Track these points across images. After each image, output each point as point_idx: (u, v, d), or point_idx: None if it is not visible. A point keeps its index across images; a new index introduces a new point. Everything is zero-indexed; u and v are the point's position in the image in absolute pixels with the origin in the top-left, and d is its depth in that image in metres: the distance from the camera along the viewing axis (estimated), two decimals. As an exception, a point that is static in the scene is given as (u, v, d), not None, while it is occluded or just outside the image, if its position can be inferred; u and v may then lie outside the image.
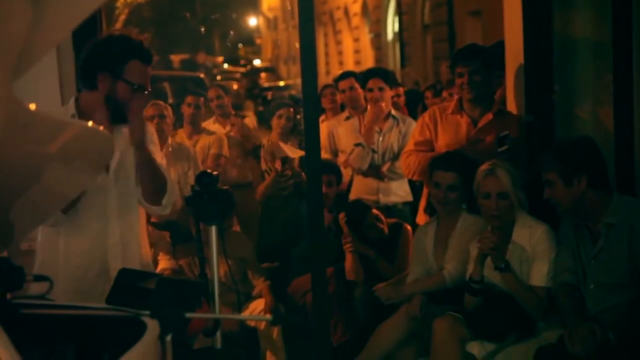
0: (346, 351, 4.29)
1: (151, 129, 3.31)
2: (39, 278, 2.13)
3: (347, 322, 4.52)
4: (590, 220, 3.54)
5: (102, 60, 3.10)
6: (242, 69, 25.04)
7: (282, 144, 5.67)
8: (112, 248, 3.17)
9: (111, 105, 3.08)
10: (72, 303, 2.62)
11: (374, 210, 4.92)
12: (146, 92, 3.15)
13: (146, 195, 3.17)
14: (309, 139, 3.53)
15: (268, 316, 2.60)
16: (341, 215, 4.74)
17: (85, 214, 3.11)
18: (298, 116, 5.96)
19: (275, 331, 4.67)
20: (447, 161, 4.23)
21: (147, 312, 2.25)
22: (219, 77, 22.32)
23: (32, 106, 1.80)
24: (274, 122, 5.94)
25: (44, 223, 2.58)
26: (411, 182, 5.42)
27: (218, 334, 2.82)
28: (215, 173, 2.90)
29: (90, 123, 2.12)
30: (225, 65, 26.17)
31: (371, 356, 4.03)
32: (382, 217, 4.91)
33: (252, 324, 4.68)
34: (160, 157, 3.24)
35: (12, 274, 2.06)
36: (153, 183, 3.15)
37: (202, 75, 16.29)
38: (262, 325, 4.62)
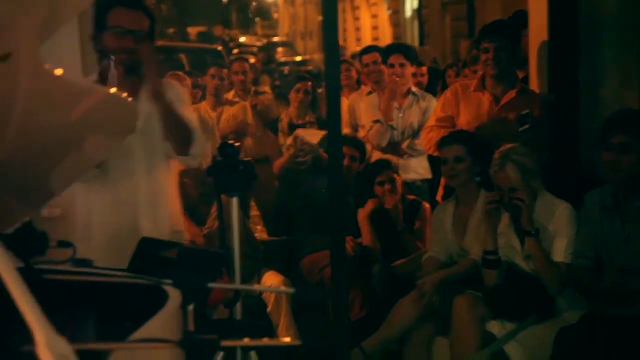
0: (364, 326, 4.27)
1: (178, 87, 3.33)
2: (63, 244, 2.12)
3: (365, 298, 4.52)
4: (633, 197, 3.49)
5: (94, 21, 3.13)
6: (259, 43, 24.96)
7: (301, 132, 5.62)
8: (142, 207, 3.18)
9: (106, 59, 3.09)
10: (94, 270, 2.62)
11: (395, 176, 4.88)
12: (151, 42, 3.15)
13: (174, 146, 3.18)
14: (331, 112, 3.49)
15: (290, 289, 2.58)
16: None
17: (114, 171, 3.13)
18: (319, 90, 5.95)
19: (284, 306, 4.66)
20: (451, 136, 4.27)
21: (170, 281, 2.25)
22: (235, 51, 22.23)
23: (59, 71, 1.78)
24: (292, 96, 5.92)
25: (69, 185, 2.58)
26: (433, 160, 5.38)
27: (238, 305, 2.82)
28: (237, 144, 2.89)
29: (104, 88, 2.10)
30: (242, 39, 26.12)
31: (389, 332, 4.01)
32: (399, 181, 4.87)
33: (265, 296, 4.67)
34: (189, 112, 3.24)
35: (35, 239, 2.05)
36: (177, 134, 3.15)
37: (219, 48, 16.21)
38: (271, 300, 4.61)
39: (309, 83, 5.97)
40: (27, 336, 1.64)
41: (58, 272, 2.26)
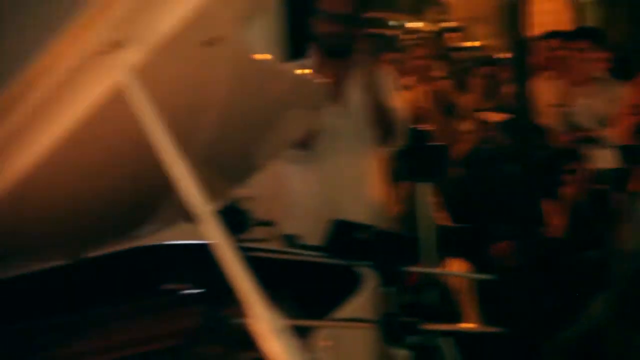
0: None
1: (391, 73, 3.35)
2: (264, 223, 2.17)
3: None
4: None
5: (307, 7, 3.20)
6: (432, 29, 24.66)
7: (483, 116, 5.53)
8: (345, 189, 3.24)
9: (324, 47, 3.14)
10: (290, 250, 2.67)
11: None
12: (362, 27, 3.17)
13: (376, 133, 3.21)
14: (519, 97, 3.42)
15: (488, 275, 2.54)
16: None
17: (322, 152, 3.20)
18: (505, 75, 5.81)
19: (469, 294, 4.60)
20: None
21: (368, 263, 2.26)
22: (405, 37, 22.07)
23: (266, 56, 1.82)
24: (473, 81, 5.82)
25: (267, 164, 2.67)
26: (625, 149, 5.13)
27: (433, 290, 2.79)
28: (429, 129, 2.86)
29: (298, 69, 2.13)
30: (413, 24, 25.90)
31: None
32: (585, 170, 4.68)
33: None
34: (398, 101, 3.26)
35: (239, 218, 2.11)
36: (381, 124, 3.17)
37: (394, 34, 16.16)
38: (456, 287, 4.55)
39: (491, 68, 5.85)
40: (238, 310, 1.70)
41: (258, 250, 2.32)
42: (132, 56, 1.37)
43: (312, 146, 3.20)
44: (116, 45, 1.34)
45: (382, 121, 3.20)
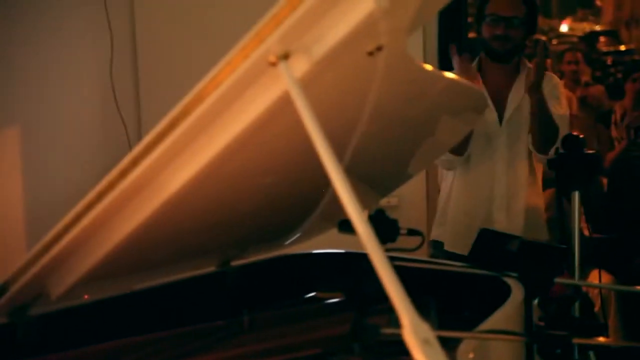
0: None
1: (555, 80, 3.30)
2: (413, 232, 2.18)
3: None
4: None
5: (476, 13, 3.21)
6: (580, 32, 23.91)
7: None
8: (498, 198, 3.23)
9: (487, 51, 3.13)
10: (435, 260, 2.68)
11: None
12: (528, 31, 3.14)
13: (535, 142, 3.17)
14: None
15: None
16: None
17: (475, 161, 3.20)
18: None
19: (613, 307, 4.46)
20: None
21: (514, 274, 2.23)
22: (554, 41, 21.53)
23: (428, 67, 1.84)
24: (628, 86, 5.62)
25: (420, 171, 2.70)
26: None
27: (576, 303, 2.73)
28: (581, 136, 2.79)
29: (455, 76, 2.12)
30: (562, 29, 25.20)
31: None
32: None
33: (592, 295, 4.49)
34: (563, 110, 3.20)
35: (387, 227, 2.12)
36: (542, 132, 3.12)
37: (543, 38, 15.83)
38: (599, 300, 4.41)
39: (644, 73, 5.65)
40: (387, 319, 1.71)
41: (405, 259, 2.33)
42: (300, 67, 1.41)
43: (467, 152, 3.18)
44: (285, 57, 1.39)
45: (540, 133, 3.14)
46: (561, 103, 3.25)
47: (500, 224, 3.18)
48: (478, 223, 3.16)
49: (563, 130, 3.15)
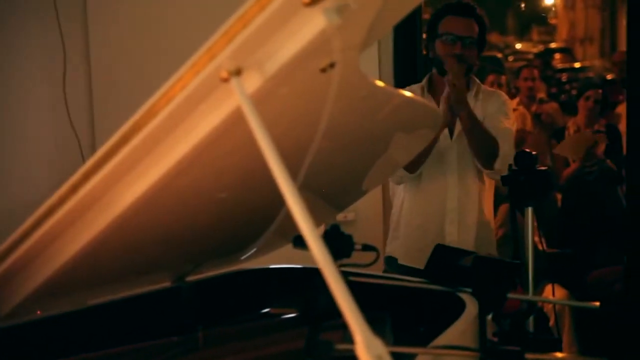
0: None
1: (504, 97, 3.35)
2: (367, 248, 2.18)
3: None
4: None
5: (427, 31, 3.24)
6: (535, 50, 24.27)
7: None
8: (449, 213, 3.26)
9: (441, 69, 3.17)
10: (389, 274, 2.69)
11: None
12: (479, 51, 3.18)
13: (475, 157, 3.21)
14: (632, 123, 3.35)
15: (596, 303, 2.50)
16: None
17: (427, 175, 3.24)
18: (621, 97, 5.70)
19: (567, 321, 4.51)
20: None
21: (468, 290, 2.25)
22: (510, 58, 21.81)
23: (380, 83, 1.84)
24: (581, 103, 5.71)
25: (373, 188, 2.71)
26: None
27: (530, 318, 2.76)
28: (534, 152, 2.82)
29: (409, 94, 2.14)
30: (518, 46, 25.53)
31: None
32: None
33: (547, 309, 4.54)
34: (510, 124, 3.25)
35: (342, 242, 2.12)
36: (480, 147, 3.16)
37: (498, 55, 16.05)
38: (553, 314, 4.45)
39: (599, 91, 5.74)
40: (341, 335, 1.71)
41: (359, 274, 2.34)
42: (252, 83, 1.41)
43: (418, 168, 3.21)
44: (236, 73, 1.39)
45: (478, 150, 3.19)
46: (509, 118, 3.30)
47: (452, 237, 3.23)
48: (431, 236, 3.20)
49: (509, 144, 3.20)
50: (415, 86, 3.35)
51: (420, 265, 2.57)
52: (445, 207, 3.27)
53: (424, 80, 3.35)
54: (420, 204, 3.30)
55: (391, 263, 3.35)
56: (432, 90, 3.32)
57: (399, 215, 3.36)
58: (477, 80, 3.33)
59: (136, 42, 4.11)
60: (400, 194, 3.36)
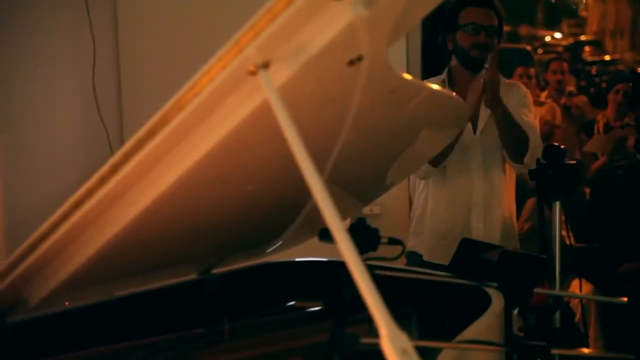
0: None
1: (524, 89, 3.33)
2: (393, 241, 2.18)
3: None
4: None
5: (445, 23, 3.22)
6: (565, 42, 24.05)
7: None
8: (475, 207, 3.26)
9: (464, 60, 3.16)
10: (416, 268, 2.68)
11: None
12: (499, 41, 3.18)
13: (507, 151, 3.20)
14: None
15: (623, 299, 2.48)
16: None
17: (452, 169, 3.23)
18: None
19: (593, 316, 4.48)
20: None
21: (494, 284, 2.24)
22: (540, 51, 21.64)
23: (407, 76, 1.84)
24: (611, 97, 5.66)
25: (400, 182, 2.70)
26: None
27: (557, 313, 2.74)
28: (562, 146, 2.80)
29: (436, 87, 2.13)
30: (548, 38, 25.32)
31: None
32: None
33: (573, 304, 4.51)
34: (531, 118, 3.23)
35: (368, 236, 2.12)
36: (511, 141, 3.15)
37: (528, 48, 15.92)
38: (579, 309, 4.43)
39: (630, 84, 5.68)
40: (366, 329, 1.71)
41: (385, 268, 2.33)
42: (280, 76, 1.41)
43: (442, 162, 3.20)
44: (264, 66, 1.39)
45: (510, 143, 3.17)
46: (531, 111, 3.29)
47: (478, 232, 3.21)
48: (457, 232, 3.19)
49: (537, 138, 3.18)
50: (434, 79, 3.33)
51: (446, 261, 2.56)
52: (471, 201, 3.26)
53: (444, 73, 3.33)
54: (445, 199, 3.29)
55: (414, 259, 3.33)
56: (452, 83, 3.30)
57: (422, 210, 3.35)
58: (491, 74, 3.30)
59: (165, 34, 4.13)
60: (423, 188, 3.35)
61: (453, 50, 3.27)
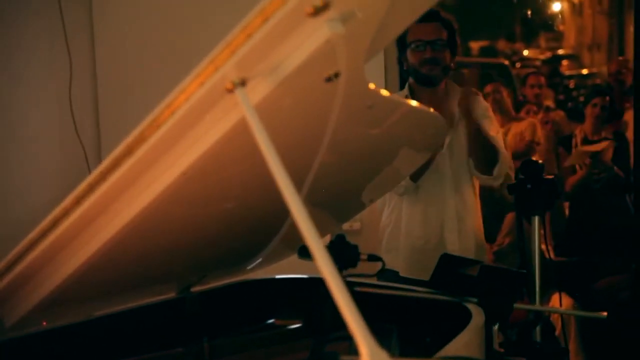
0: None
1: (484, 103, 3.35)
2: (373, 258, 2.18)
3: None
4: None
5: (397, 43, 3.25)
6: (542, 56, 24.20)
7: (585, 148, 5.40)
8: (449, 221, 3.27)
9: (417, 77, 3.18)
10: (396, 284, 2.67)
11: None
12: (452, 54, 3.20)
13: (477, 164, 3.22)
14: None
15: (603, 313, 2.48)
16: None
17: (423, 185, 3.23)
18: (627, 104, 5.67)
19: (573, 331, 4.49)
20: None
21: (474, 300, 2.23)
22: (518, 65, 21.74)
23: (385, 92, 1.84)
24: (588, 110, 5.69)
25: (377, 199, 2.70)
26: None
27: (537, 328, 2.74)
28: (540, 161, 2.81)
29: (415, 103, 2.14)
30: (525, 52, 25.45)
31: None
32: None
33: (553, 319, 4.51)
34: (495, 130, 3.26)
35: (347, 252, 2.12)
36: (482, 153, 3.17)
37: (505, 62, 16.00)
38: (559, 323, 4.44)
39: (607, 98, 5.71)
40: (346, 346, 1.70)
41: (364, 284, 2.33)
42: (257, 94, 1.41)
43: (421, 177, 3.21)
44: (241, 83, 1.38)
45: (480, 155, 3.19)
46: (493, 124, 3.32)
47: (453, 245, 3.23)
48: (432, 246, 3.21)
49: (502, 151, 3.21)
50: (397, 94, 3.34)
51: (423, 276, 2.55)
52: (445, 215, 3.28)
53: (405, 89, 3.34)
54: (419, 214, 3.30)
55: (388, 275, 3.31)
56: (414, 98, 3.31)
57: (394, 226, 3.35)
58: (455, 85, 3.33)
59: (142, 48, 4.11)
60: (395, 205, 3.35)
61: (407, 68, 3.29)
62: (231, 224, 2.02)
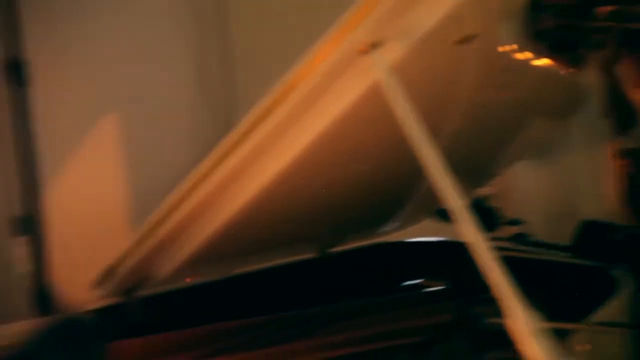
0: None
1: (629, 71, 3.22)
2: (514, 222, 2.13)
3: None
4: None
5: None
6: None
7: None
8: (580, 186, 3.19)
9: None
10: (535, 249, 2.60)
11: None
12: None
13: (614, 125, 3.11)
14: None
15: None
16: None
17: (554, 151, 3.17)
18: None
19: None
20: None
21: (622, 266, 2.15)
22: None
23: (520, 54, 1.79)
24: None
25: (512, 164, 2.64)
26: None
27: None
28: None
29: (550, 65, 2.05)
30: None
31: None
32: None
33: None
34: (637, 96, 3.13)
35: (490, 214, 2.08)
36: (620, 112, 3.05)
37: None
38: None
39: None
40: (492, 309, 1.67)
41: (509, 249, 2.28)
42: (391, 55, 1.39)
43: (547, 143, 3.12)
44: (376, 45, 1.37)
45: (618, 115, 3.06)
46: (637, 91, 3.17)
47: (584, 213, 3.16)
48: (564, 211, 3.14)
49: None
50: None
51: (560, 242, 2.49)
52: (576, 182, 3.22)
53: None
54: (550, 179, 3.26)
55: (525, 240, 3.27)
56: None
57: (530, 191, 3.31)
58: (604, 52, 3.19)
59: (278, 10, 4.10)
60: (530, 169, 3.30)
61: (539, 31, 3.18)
62: (367, 187, 2.01)
